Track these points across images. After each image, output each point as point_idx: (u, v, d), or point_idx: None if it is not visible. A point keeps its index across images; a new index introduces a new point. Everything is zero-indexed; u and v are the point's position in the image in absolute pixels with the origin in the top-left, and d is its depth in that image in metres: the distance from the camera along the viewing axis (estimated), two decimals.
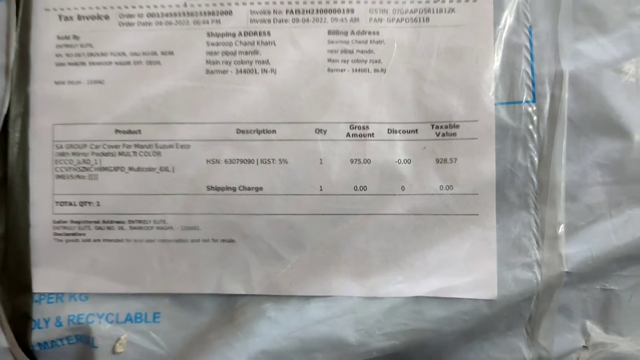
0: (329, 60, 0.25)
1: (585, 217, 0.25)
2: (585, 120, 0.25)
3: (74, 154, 0.25)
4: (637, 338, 0.26)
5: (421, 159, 0.25)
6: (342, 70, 0.25)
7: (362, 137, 0.25)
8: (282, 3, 0.25)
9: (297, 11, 0.25)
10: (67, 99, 0.25)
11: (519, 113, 0.25)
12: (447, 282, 0.24)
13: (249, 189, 0.25)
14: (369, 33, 0.25)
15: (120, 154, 0.25)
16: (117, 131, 0.25)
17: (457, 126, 0.24)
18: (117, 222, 0.25)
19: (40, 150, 0.25)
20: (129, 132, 0.25)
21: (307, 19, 0.25)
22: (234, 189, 0.25)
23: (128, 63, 0.25)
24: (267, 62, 0.25)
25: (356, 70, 0.25)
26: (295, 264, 0.25)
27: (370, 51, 0.25)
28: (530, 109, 0.25)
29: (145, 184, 0.25)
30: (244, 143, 0.25)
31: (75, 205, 0.25)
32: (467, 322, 0.25)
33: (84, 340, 0.26)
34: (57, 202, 0.25)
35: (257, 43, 0.25)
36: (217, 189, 0.25)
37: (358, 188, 0.25)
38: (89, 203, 0.25)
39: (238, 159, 0.25)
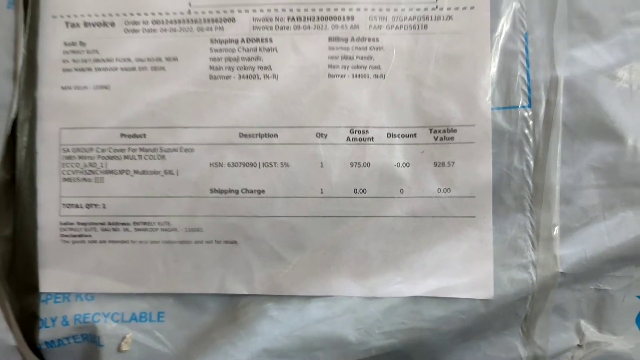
0: (330, 66, 0.25)
1: (580, 219, 0.25)
2: (579, 125, 0.25)
3: (80, 157, 0.25)
4: (630, 337, 0.26)
5: (420, 162, 0.25)
6: (342, 76, 0.25)
7: (362, 141, 0.25)
8: (283, 10, 0.25)
9: (299, 18, 0.25)
10: (74, 104, 0.25)
11: (515, 118, 0.25)
12: (445, 283, 0.25)
13: (252, 191, 0.25)
14: (369, 40, 0.25)
15: (126, 157, 0.25)
16: (122, 135, 0.25)
17: (455, 130, 0.25)
18: (123, 223, 0.25)
19: (47, 153, 0.25)
20: (134, 136, 0.25)
21: (308, 26, 0.25)
22: (237, 192, 0.25)
23: (133, 69, 0.25)
24: (269, 67, 0.25)
25: (356, 75, 0.25)
26: (297, 265, 0.25)
27: (369, 57, 0.25)
28: (526, 114, 0.25)
29: (150, 186, 0.25)
30: (246, 147, 0.25)
31: (81, 207, 0.25)
32: (464, 322, 0.25)
33: (90, 339, 0.26)
34: (64, 204, 0.25)
35: (260, 49, 0.25)
36: (220, 191, 0.25)
37: (358, 191, 0.25)
38: (95, 205, 0.25)
39: (241, 163, 0.25)
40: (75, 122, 0.25)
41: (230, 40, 0.25)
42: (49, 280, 0.25)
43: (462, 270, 0.25)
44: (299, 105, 0.25)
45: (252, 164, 0.25)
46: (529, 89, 0.25)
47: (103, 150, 0.25)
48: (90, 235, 0.25)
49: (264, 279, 0.25)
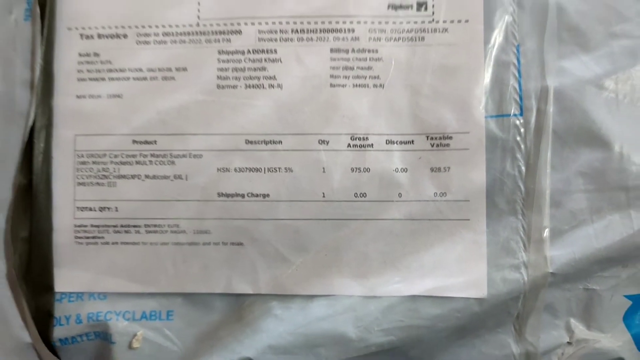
0: (332, 76, 0.25)
1: (569, 222, 0.25)
2: (568, 133, 0.25)
3: (94, 162, 0.26)
4: (617, 334, 0.26)
5: (417, 168, 0.25)
6: (343, 86, 0.25)
7: (362, 148, 0.25)
8: (287, 23, 0.25)
9: (302, 31, 0.25)
10: (88, 112, 0.26)
11: (507, 125, 0.25)
12: (441, 282, 0.25)
13: (257, 195, 0.25)
14: (369, 51, 0.25)
15: (137, 163, 0.26)
16: (134, 142, 0.26)
17: (450, 137, 0.25)
18: (134, 226, 0.26)
19: (63, 159, 0.26)
20: (146, 142, 0.26)
21: (311, 38, 0.25)
22: (243, 196, 0.26)
23: (145, 79, 0.26)
24: (274, 77, 0.25)
25: (357, 85, 0.25)
26: (300, 266, 0.26)
27: (369, 68, 0.25)
28: (517, 122, 0.25)
29: (160, 190, 0.26)
30: (252, 153, 0.25)
31: (95, 210, 0.26)
32: (459, 320, 0.25)
33: (102, 337, 0.26)
34: (78, 207, 0.26)
35: (265, 60, 0.26)
36: (227, 195, 0.26)
37: (358, 195, 0.25)
38: (108, 208, 0.26)
39: (247, 168, 0.25)
40: (90, 129, 0.26)
41: (237, 52, 0.26)
42: (64, 280, 0.26)
43: (457, 271, 0.25)
44: (302, 113, 0.25)
45: (257, 169, 0.25)
46: (521, 98, 0.25)
47: (116, 156, 0.26)
48: (103, 237, 0.26)
49: (269, 279, 0.26)
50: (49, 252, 0.26)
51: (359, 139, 0.25)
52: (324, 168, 0.25)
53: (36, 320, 0.25)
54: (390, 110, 0.25)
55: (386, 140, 0.25)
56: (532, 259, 0.25)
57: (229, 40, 0.26)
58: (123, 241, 0.26)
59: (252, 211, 0.26)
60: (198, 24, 0.26)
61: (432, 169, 0.25)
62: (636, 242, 0.25)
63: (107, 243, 0.26)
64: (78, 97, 0.26)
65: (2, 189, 0.25)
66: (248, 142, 0.26)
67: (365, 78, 0.25)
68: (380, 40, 0.26)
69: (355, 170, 0.25)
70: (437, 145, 0.25)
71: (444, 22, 0.25)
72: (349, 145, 0.25)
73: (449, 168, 0.25)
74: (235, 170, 0.26)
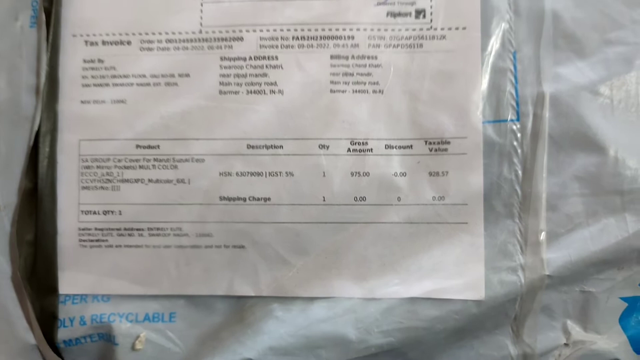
0: (332, 82, 0.26)
1: (565, 225, 0.26)
2: (564, 137, 0.26)
3: (98, 167, 0.26)
4: (613, 336, 0.26)
5: (415, 172, 0.26)
6: (343, 92, 0.26)
7: (362, 152, 0.26)
8: (288, 30, 0.26)
9: (303, 37, 0.26)
10: (92, 117, 0.26)
11: (504, 130, 0.26)
12: (439, 284, 0.25)
13: (258, 199, 0.26)
14: (368, 57, 0.26)
15: (141, 167, 0.26)
16: (137, 146, 0.26)
17: (448, 142, 0.25)
18: (137, 229, 0.26)
19: (67, 163, 0.26)
20: (149, 147, 0.26)
21: (312, 45, 0.26)
22: (244, 199, 0.26)
23: (148, 84, 0.26)
24: (275, 83, 0.26)
25: (356, 91, 0.26)
26: (301, 268, 0.26)
27: (369, 74, 0.26)
28: (514, 127, 0.26)
29: (163, 194, 0.26)
30: (253, 157, 0.26)
31: (99, 214, 0.26)
32: (458, 321, 0.25)
33: (106, 338, 0.26)
34: (82, 211, 0.26)
35: (266, 66, 0.26)
36: (229, 199, 0.26)
37: (358, 199, 0.26)
38: (112, 212, 0.26)
39: (248, 172, 0.26)
40: (94, 134, 0.26)
41: (239, 58, 0.26)
42: (68, 282, 0.26)
43: (455, 273, 0.25)
44: (302, 118, 0.26)
45: (258, 174, 0.26)
46: (517, 104, 0.26)
47: (119, 161, 0.26)
48: (106, 240, 0.26)
49: (270, 281, 0.26)
50: (54, 255, 0.26)
51: (359, 143, 0.26)
52: (324, 172, 0.26)
53: (41, 322, 0.26)
54: (389, 115, 0.26)
55: (385, 145, 0.26)
56: (529, 262, 0.26)
57: (230, 47, 0.26)
58: (126, 244, 0.26)
59: (253, 214, 0.26)
60: (200, 31, 0.26)
61: (430, 173, 0.26)
62: (631, 245, 0.25)
63: (110, 246, 0.26)
64: (82, 102, 0.26)
65: (8, 193, 0.26)
66: (249, 146, 0.26)
67: (365, 84, 0.26)
68: (379, 47, 0.26)
69: (355, 174, 0.26)
70: (436, 150, 0.26)
71: (442, 29, 0.26)
72: (348, 149, 0.26)
73: (447, 172, 0.26)
74: (237, 174, 0.26)
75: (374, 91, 0.26)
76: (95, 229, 0.26)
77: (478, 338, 0.27)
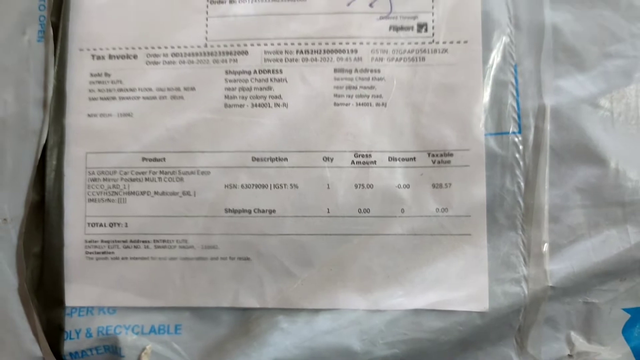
0: (335, 95, 0.26)
1: (567, 236, 0.26)
2: (566, 150, 0.26)
3: (104, 179, 0.26)
4: (617, 347, 0.26)
5: (419, 184, 0.26)
6: (347, 104, 0.26)
7: (366, 165, 0.26)
8: (292, 44, 0.26)
9: (306, 51, 0.26)
10: (99, 130, 0.26)
11: (506, 143, 0.26)
12: (443, 296, 0.25)
13: (263, 211, 0.26)
14: (371, 71, 0.26)
15: (147, 179, 0.26)
16: (143, 159, 0.26)
17: (451, 154, 0.26)
18: (143, 241, 0.26)
19: (74, 176, 0.26)
20: (155, 159, 0.26)
21: (316, 59, 0.26)
22: (250, 212, 0.26)
23: (154, 98, 0.26)
24: (280, 97, 0.26)
25: (360, 104, 0.26)
26: (305, 280, 0.26)
27: (372, 87, 0.26)
28: (516, 139, 0.26)
29: (169, 206, 0.26)
30: (258, 170, 0.26)
31: (105, 226, 0.26)
32: (462, 332, 0.25)
33: (112, 350, 0.26)
34: (88, 223, 0.26)
35: (271, 80, 0.26)
36: (234, 211, 0.26)
37: (362, 210, 0.26)
38: (118, 224, 0.26)
39: (253, 184, 0.26)
40: (100, 147, 0.27)
41: (244, 72, 0.26)
42: (74, 294, 0.26)
43: (459, 285, 0.25)
44: (307, 131, 0.26)
45: (263, 186, 0.26)
46: (519, 116, 0.26)
47: (126, 173, 0.26)
48: (113, 252, 0.26)
49: (275, 293, 0.26)
50: (60, 267, 0.26)
51: (363, 156, 0.26)
52: (328, 184, 0.26)
53: (47, 334, 0.26)
54: (393, 128, 0.26)
55: (389, 157, 0.26)
56: (532, 273, 0.26)
57: (235, 61, 0.27)
58: (132, 256, 0.27)
59: (258, 226, 0.26)
60: (206, 45, 0.27)
61: (433, 185, 0.26)
62: (633, 256, 0.26)
63: (117, 258, 0.27)
64: (89, 115, 0.27)
65: (15, 206, 0.26)
66: (254, 159, 0.26)
67: (368, 97, 0.26)
68: (382, 61, 0.26)
69: (359, 186, 0.26)
70: (439, 162, 0.26)
71: (444, 42, 0.26)
72: (352, 162, 0.26)
73: (450, 184, 0.26)
74: (242, 186, 0.26)
75: (377, 104, 0.26)
76: (102, 241, 0.27)
77: (482, 349, 0.27)
